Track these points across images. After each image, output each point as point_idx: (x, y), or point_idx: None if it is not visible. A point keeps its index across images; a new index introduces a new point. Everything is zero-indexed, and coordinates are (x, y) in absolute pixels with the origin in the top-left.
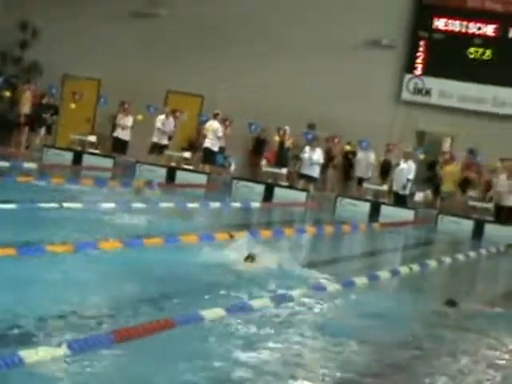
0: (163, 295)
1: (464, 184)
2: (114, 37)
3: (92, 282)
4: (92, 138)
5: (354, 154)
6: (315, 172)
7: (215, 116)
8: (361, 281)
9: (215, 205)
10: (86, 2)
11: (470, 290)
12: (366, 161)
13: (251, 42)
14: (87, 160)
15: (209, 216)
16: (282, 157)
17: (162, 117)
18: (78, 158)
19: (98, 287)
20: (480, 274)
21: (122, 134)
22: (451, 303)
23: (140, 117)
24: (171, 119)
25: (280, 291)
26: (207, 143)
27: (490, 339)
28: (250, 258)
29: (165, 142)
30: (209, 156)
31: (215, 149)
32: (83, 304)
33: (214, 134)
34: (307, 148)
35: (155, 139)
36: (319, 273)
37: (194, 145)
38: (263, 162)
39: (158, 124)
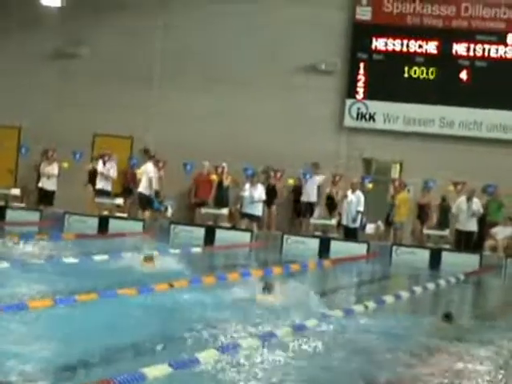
0: (102, 354)
1: (421, 213)
2: (32, 80)
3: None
4: (15, 191)
5: (299, 188)
6: (258, 210)
7: (149, 157)
8: (311, 323)
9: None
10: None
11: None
12: (312, 186)
13: (181, 74)
14: (11, 215)
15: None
16: (222, 196)
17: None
18: (1, 214)
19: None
20: (440, 306)
21: (48, 184)
22: (448, 317)
23: (66, 164)
24: (113, 163)
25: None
26: (141, 188)
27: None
28: (267, 288)
29: (109, 187)
30: (144, 201)
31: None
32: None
33: (147, 177)
34: (247, 185)
35: (100, 185)
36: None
37: (126, 190)
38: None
39: (100, 169)
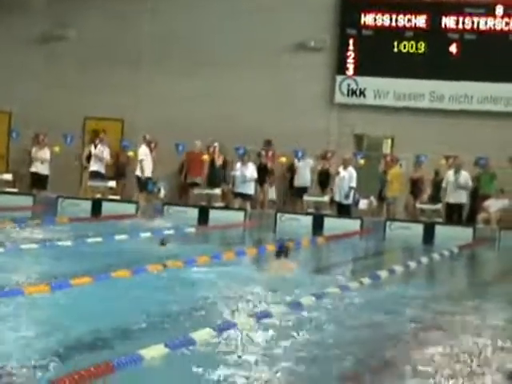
0: (100, 337)
1: (413, 188)
2: (20, 64)
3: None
4: (7, 176)
5: (292, 165)
6: (250, 189)
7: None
8: (307, 301)
9: (146, 235)
10: None
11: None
12: (305, 169)
13: (169, 57)
14: (4, 200)
15: (140, 247)
16: (215, 176)
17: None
18: None
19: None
20: (436, 279)
21: (41, 168)
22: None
23: (57, 148)
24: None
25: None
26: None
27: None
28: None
29: (102, 170)
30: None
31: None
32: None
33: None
34: (238, 164)
35: (94, 167)
36: (263, 295)
37: (118, 172)
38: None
39: (93, 151)
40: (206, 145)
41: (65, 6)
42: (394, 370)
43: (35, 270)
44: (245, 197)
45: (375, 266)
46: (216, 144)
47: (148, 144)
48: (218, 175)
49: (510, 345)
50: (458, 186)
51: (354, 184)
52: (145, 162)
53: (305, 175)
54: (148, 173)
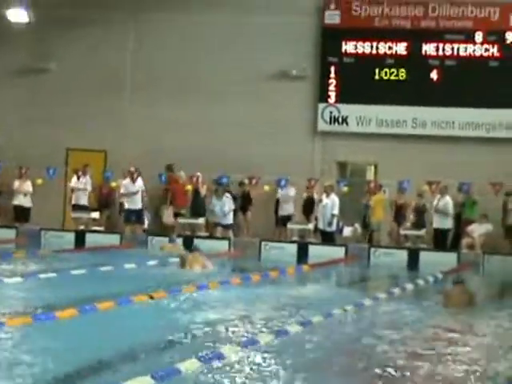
0: (83, 369)
1: (397, 214)
2: (2, 97)
3: None
4: None
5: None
6: (229, 219)
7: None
8: (294, 328)
9: (131, 266)
10: None
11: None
12: (287, 198)
13: (152, 88)
14: None
15: (126, 278)
16: (198, 206)
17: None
18: None
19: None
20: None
21: (24, 201)
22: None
23: (40, 181)
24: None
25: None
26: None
27: None
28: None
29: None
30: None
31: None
32: None
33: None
34: (214, 200)
35: (76, 200)
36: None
37: (102, 204)
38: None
39: (74, 184)
40: (189, 174)
41: (46, 38)
42: None
43: (19, 301)
44: (226, 226)
45: (359, 293)
46: (199, 174)
47: (131, 176)
48: (201, 205)
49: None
50: (435, 210)
51: (336, 211)
52: (128, 194)
53: (288, 205)
54: (135, 205)
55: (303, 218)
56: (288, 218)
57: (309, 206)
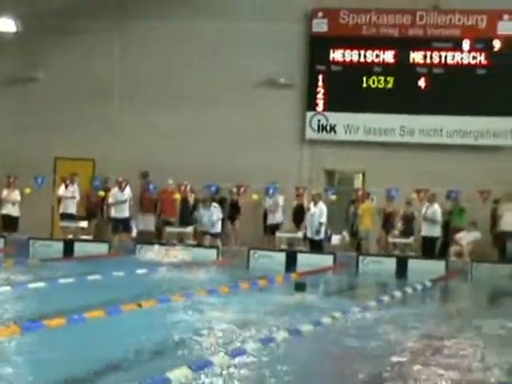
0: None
1: (386, 222)
2: None
3: None
4: None
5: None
6: (217, 228)
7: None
8: (282, 336)
9: (119, 274)
10: None
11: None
12: (276, 206)
13: (140, 95)
14: None
15: (114, 287)
16: (187, 214)
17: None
18: None
19: None
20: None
21: (12, 210)
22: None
23: (28, 190)
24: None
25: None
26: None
27: None
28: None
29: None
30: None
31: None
32: None
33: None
34: (201, 210)
35: (63, 209)
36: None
37: (90, 213)
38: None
39: (62, 193)
40: (177, 183)
41: (33, 47)
42: None
43: (7, 311)
44: (214, 235)
45: (348, 301)
46: (186, 183)
47: (119, 185)
48: (190, 213)
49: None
50: (424, 218)
51: (323, 219)
52: (116, 203)
53: (277, 212)
54: (122, 213)
55: (293, 226)
56: (277, 227)
57: (299, 214)
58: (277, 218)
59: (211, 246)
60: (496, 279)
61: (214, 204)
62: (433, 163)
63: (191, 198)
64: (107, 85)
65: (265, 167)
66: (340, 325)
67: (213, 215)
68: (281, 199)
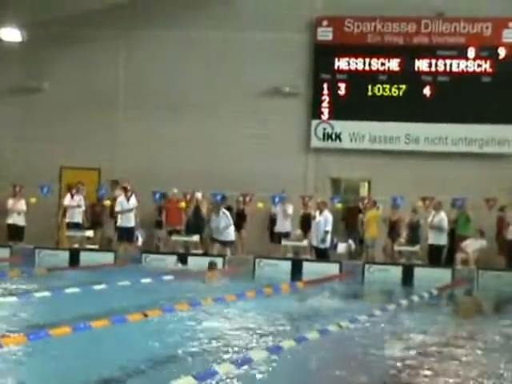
0: None
1: (392, 230)
2: None
3: None
4: None
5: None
6: (229, 236)
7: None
8: (287, 344)
9: (125, 283)
10: None
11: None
12: (284, 214)
13: (145, 105)
14: None
15: (120, 296)
16: (198, 223)
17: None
18: None
19: None
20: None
21: (18, 220)
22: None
23: (34, 200)
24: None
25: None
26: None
27: None
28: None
29: (79, 220)
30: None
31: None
32: None
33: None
34: (213, 216)
35: (70, 218)
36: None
37: (96, 221)
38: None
39: (68, 202)
40: (183, 192)
41: (38, 57)
42: None
43: (13, 321)
44: (225, 243)
45: (354, 309)
46: (195, 192)
47: (125, 191)
48: (202, 222)
49: None
50: (430, 226)
51: (329, 228)
52: (123, 211)
53: (283, 220)
54: (127, 223)
55: (301, 234)
56: (285, 235)
57: (306, 223)
58: (286, 226)
59: (218, 255)
60: (502, 287)
61: (223, 211)
62: (438, 171)
63: (204, 208)
64: (112, 94)
65: (270, 176)
66: (346, 333)
67: (222, 221)
68: (290, 208)
